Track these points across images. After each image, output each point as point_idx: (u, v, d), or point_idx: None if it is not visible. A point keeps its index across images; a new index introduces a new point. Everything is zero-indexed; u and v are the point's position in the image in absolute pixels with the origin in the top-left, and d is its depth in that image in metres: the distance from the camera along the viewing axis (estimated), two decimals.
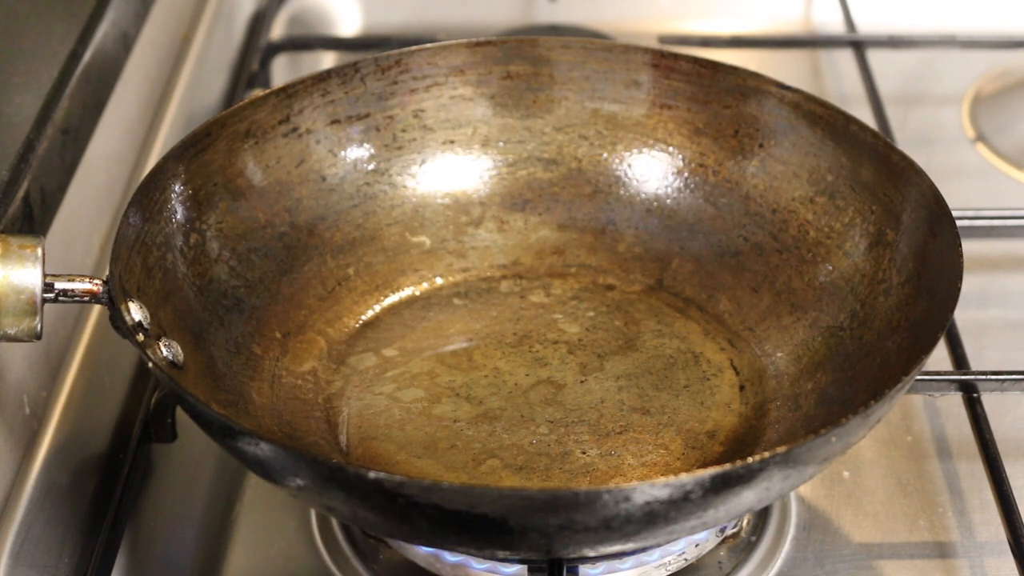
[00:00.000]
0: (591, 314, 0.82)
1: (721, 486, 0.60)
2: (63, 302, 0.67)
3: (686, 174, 0.84)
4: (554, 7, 1.21)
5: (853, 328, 0.75)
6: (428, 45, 0.84)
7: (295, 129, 0.81)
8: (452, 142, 0.85)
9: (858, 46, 1.11)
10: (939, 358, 0.82)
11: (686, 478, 0.59)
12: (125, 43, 0.94)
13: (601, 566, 0.70)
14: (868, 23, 1.15)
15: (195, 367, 0.70)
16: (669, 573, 0.72)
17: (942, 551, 0.75)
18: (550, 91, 0.85)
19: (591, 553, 0.67)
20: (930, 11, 1.19)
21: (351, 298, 0.81)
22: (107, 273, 0.68)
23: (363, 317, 0.81)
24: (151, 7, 1.00)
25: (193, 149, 0.76)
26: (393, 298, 0.82)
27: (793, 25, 1.22)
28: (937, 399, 0.84)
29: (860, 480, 0.79)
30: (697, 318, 0.81)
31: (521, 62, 0.85)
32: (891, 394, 0.63)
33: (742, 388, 0.77)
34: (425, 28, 1.18)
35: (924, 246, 0.73)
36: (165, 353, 0.69)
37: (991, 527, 0.76)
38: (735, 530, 0.74)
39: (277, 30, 1.15)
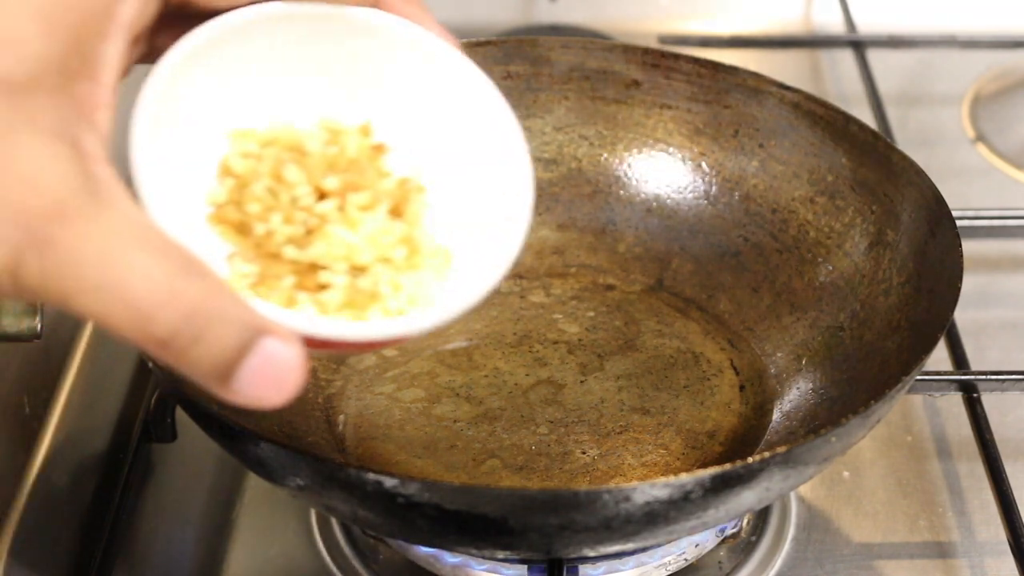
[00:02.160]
0: (591, 314, 0.82)
1: (721, 486, 0.60)
2: None
3: (686, 174, 0.84)
4: (554, 7, 1.21)
5: (853, 328, 0.75)
6: None
7: None
8: None
9: (858, 46, 1.11)
10: (939, 358, 0.82)
11: (686, 478, 0.59)
12: None
13: (601, 566, 0.70)
14: (868, 23, 1.15)
15: None
16: (669, 573, 0.72)
17: (942, 551, 0.75)
18: (550, 91, 0.85)
19: (591, 553, 0.67)
20: (930, 11, 1.19)
21: None
22: None
23: None
24: None
25: None
26: None
27: (793, 25, 1.22)
28: (937, 399, 0.84)
29: (860, 480, 0.79)
30: (697, 318, 0.81)
31: (521, 62, 0.85)
32: (891, 394, 0.63)
33: (742, 388, 0.77)
34: None
35: (924, 246, 0.73)
36: None
37: (991, 527, 0.76)
38: (735, 530, 0.74)
39: None
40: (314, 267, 0.52)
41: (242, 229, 0.52)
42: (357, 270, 0.52)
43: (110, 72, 0.48)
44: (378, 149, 0.56)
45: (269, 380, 0.44)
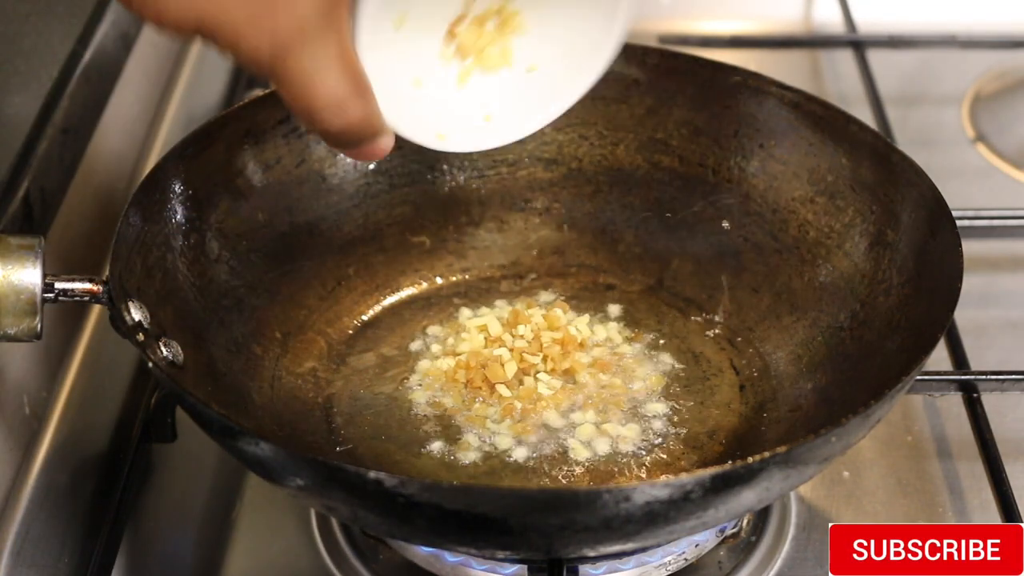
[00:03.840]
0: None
1: (721, 486, 0.60)
2: (63, 302, 0.67)
3: (686, 174, 0.84)
4: None
5: (853, 328, 0.75)
6: None
7: (295, 129, 0.81)
8: None
9: (858, 46, 1.11)
10: (939, 358, 0.82)
11: (686, 478, 0.59)
12: (125, 43, 0.94)
13: (602, 566, 0.70)
14: (868, 23, 1.15)
15: (195, 367, 0.70)
16: (669, 573, 0.72)
17: None
18: None
19: (591, 553, 0.67)
20: (930, 11, 1.19)
21: (351, 298, 0.81)
22: (107, 273, 0.68)
23: (363, 317, 0.81)
24: None
25: (193, 149, 0.76)
26: (393, 298, 0.82)
27: (793, 25, 1.22)
28: (937, 399, 0.84)
29: (860, 480, 0.79)
30: (697, 318, 0.81)
31: None
32: (891, 394, 0.63)
33: (742, 388, 0.77)
34: None
35: (924, 246, 0.73)
36: (165, 353, 0.69)
37: None
38: (735, 530, 0.74)
39: None
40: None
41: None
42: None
43: None
44: None
45: (372, 153, 0.64)
